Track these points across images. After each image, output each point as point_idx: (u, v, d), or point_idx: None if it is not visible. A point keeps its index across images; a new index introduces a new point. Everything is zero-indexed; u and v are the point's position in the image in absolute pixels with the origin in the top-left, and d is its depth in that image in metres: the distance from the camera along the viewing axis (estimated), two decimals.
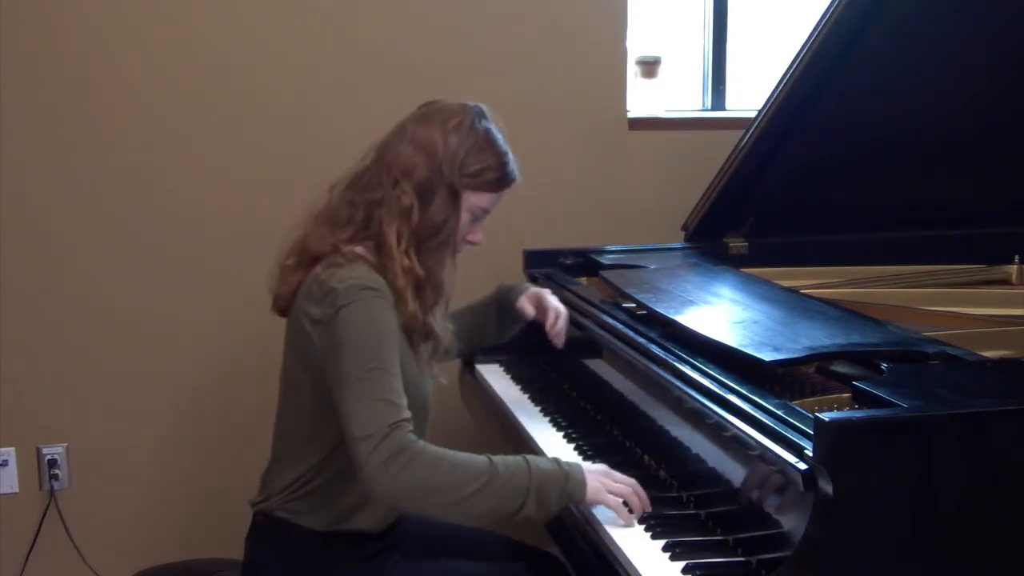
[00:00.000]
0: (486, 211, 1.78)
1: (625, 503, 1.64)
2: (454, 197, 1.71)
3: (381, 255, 1.69)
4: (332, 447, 1.71)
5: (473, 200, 1.74)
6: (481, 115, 1.75)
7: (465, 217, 1.75)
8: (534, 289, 2.14)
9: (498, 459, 1.62)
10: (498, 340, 2.22)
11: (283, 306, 1.77)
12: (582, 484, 1.63)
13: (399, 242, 1.68)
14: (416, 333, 1.72)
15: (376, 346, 1.62)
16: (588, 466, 1.68)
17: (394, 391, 1.61)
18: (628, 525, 1.60)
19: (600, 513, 1.65)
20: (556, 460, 1.66)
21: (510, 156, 1.77)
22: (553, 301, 2.09)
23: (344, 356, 1.61)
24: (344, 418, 1.60)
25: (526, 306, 2.09)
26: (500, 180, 1.75)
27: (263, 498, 1.78)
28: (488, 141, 1.74)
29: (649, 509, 1.64)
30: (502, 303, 2.15)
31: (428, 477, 1.57)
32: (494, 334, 2.19)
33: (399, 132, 1.75)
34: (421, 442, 1.60)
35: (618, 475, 1.68)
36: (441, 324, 1.79)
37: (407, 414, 1.61)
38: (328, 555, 1.73)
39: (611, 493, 1.63)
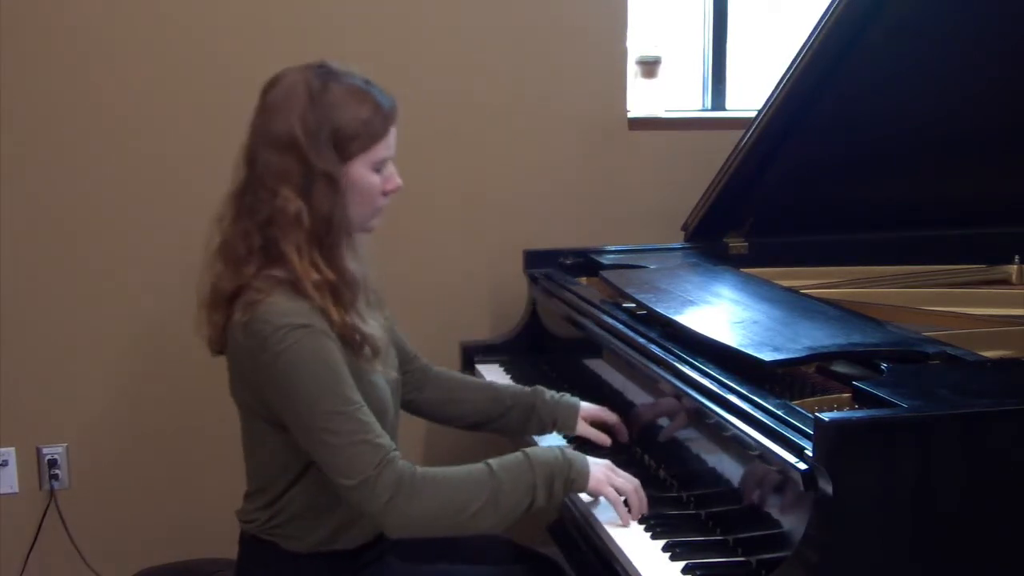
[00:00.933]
0: (387, 158, 1.66)
1: (625, 502, 1.64)
2: (331, 181, 1.59)
3: (291, 274, 1.59)
4: (293, 478, 1.67)
5: (371, 157, 1.63)
6: (326, 74, 1.62)
7: (372, 177, 1.65)
8: (585, 411, 1.97)
9: (497, 464, 1.60)
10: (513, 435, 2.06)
11: (216, 348, 1.70)
12: (585, 473, 1.63)
13: (300, 255, 1.58)
14: (352, 340, 1.63)
15: (328, 388, 1.55)
16: (592, 459, 1.68)
17: (365, 426, 1.56)
18: (623, 525, 1.61)
19: (600, 513, 1.65)
20: (560, 448, 1.66)
21: (374, 90, 1.64)
22: (606, 414, 1.97)
23: (302, 408, 1.55)
24: (326, 469, 1.56)
25: (597, 435, 1.94)
26: (383, 121, 1.63)
27: (245, 519, 1.75)
28: (348, 95, 1.61)
29: (646, 511, 1.64)
30: (542, 421, 1.98)
31: (435, 503, 1.55)
32: (514, 435, 2.03)
33: (256, 134, 1.63)
34: (418, 469, 1.57)
35: (622, 472, 1.68)
36: (373, 323, 1.67)
37: (388, 443, 1.57)
38: (321, 570, 1.71)
39: (614, 486, 1.64)
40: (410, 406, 1.98)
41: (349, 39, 2.70)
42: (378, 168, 1.65)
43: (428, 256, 2.84)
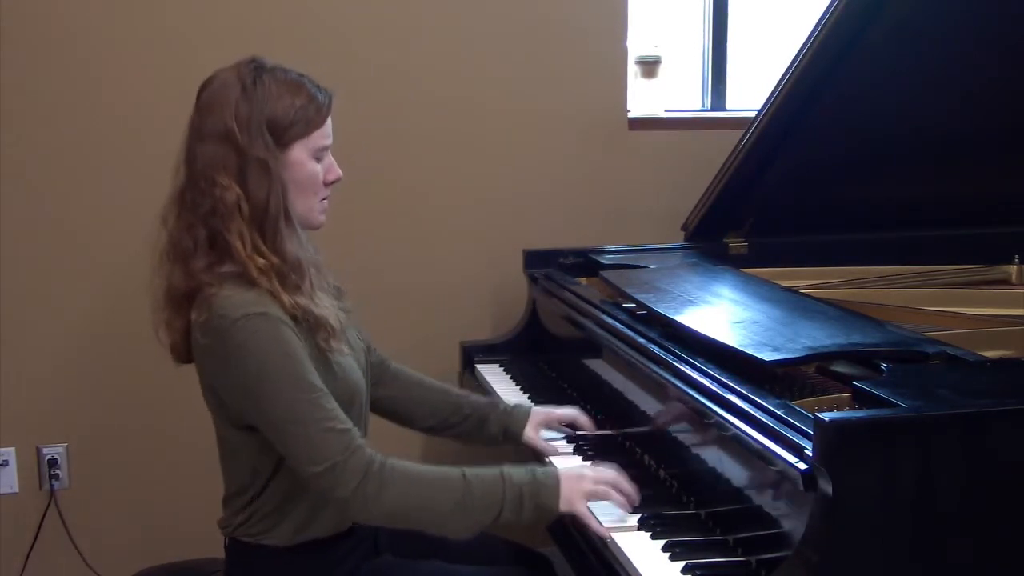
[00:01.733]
0: (326, 147, 1.69)
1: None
2: (264, 166, 1.61)
3: (239, 266, 1.60)
4: (265, 480, 1.68)
5: (310, 144, 1.66)
6: (258, 68, 1.65)
7: (313, 166, 1.67)
8: (535, 417, 1.96)
9: (471, 473, 1.61)
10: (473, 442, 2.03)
11: (181, 355, 1.71)
12: (555, 496, 1.61)
13: (243, 242, 1.59)
14: (305, 323, 1.63)
15: (290, 375, 1.56)
16: (565, 472, 1.65)
17: (330, 413, 1.57)
18: (603, 535, 1.59)
19: (600, 514, 1.65)
20: (532, 471, 1.64)
21: (307, 81, 1.68)
22: (558, 412, 1.97)
23: (264, 398, 1.56)
24: (293, 458, 1.57)
25: (544, 445, 1.93)
26: (317, 110, 1.66)
27: (225, 525, 1.76)
28: (281, 86, 1.64)
29: (635, 499, 1.64)
30: (492, 432, 1.96)
31: (404, 496, 1.57)
32: (468, 442, 2.01)
33: (192, 134, 1.66)
34: (389, 460, 1.58)
35: (598, 474, 1.66)
36: (324, 302, 1.68)
37: (355, 430, 1.59)
38: (301, 566, 1.71)
39: (589, 496, 1.62)
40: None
41: (348, 40, 2.70)
42: (318, 157, 1.68)
43: (428, 256, 2.84)
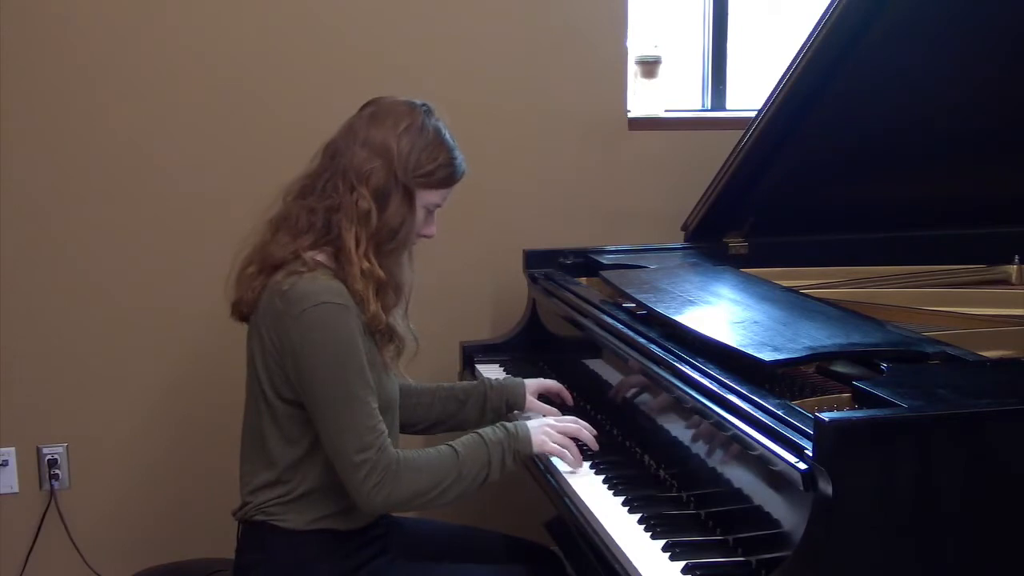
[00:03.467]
0: (438, 205, 1.81)
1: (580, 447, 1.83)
2: (409, 199, 1.74)
3: (340, 260, 1.71)
4: (303, 453, 1.73)
5: (427, 197, 1.77)
6: (429, 113, 1.78)
7: (420, 213, 1.77)
8: (529, 386, 2.08)
9: (459, 445, 1.75)
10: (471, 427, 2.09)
11: (244, 312, 1.79)
12: (528, 441, 1.79)
13: (357, 245, 1.70)
14: (380, 334, 1.74)
15: (353, 367, 1.66)
16: (532, 423, 1.83)
17: (374, 412, 1.68)
18: (574, 471, 1.80)
19: (599, 512, 1.65)
20: (503, 425, 1.80)
21: (457, 151, 1.79)
22: (548, 383, 2.11)
23: (319, 378, 1.65)
24: (334, 443, 1.66)
25: (543, 408, 2.06)
26: (451, 176, 1.78)
27: (242, 505, 1.80)
28: (438, 140, 1.76)
29: (594, 446, 1.84)
30: (495, 406, 2.05)
31: (413, 485, 1.68)
32: (471, 424, 2.05)
33: (350, 134, 1.75)
34: (399, 455, 1.68)
35: (560, 423, 1.85)
36: (403, 325, 1.81)
37: (385, 429, 1.69)
38: (313, 553, 1.74)
39: (555, 443, 1.80)
40: None
41: (349, 41, 2.70)
42: (428, 210, 1.78)
43: (428, 256, 2.81)
